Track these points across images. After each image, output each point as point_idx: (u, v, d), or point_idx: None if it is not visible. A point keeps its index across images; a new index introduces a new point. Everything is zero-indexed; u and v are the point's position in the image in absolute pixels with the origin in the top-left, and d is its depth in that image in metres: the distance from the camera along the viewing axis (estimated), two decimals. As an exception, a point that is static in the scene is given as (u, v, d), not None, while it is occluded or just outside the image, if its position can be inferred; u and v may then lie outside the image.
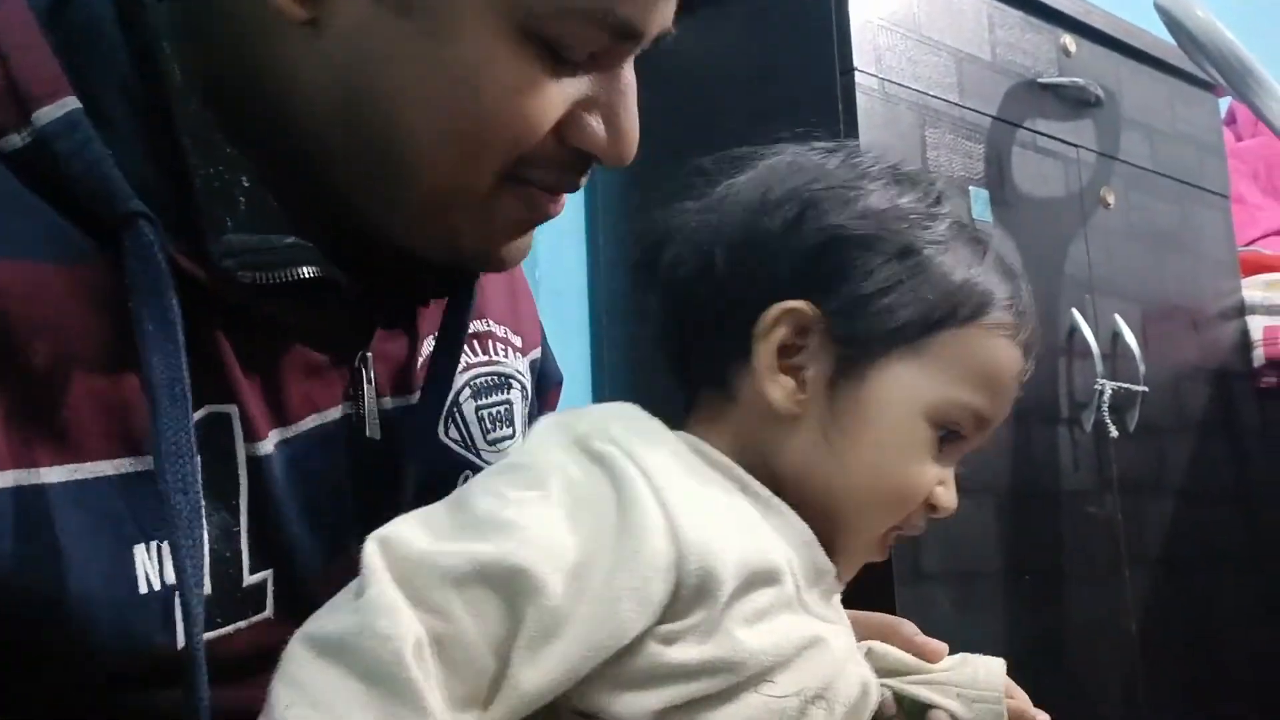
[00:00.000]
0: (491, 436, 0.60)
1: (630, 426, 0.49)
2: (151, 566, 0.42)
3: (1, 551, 0.39)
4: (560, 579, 0.42)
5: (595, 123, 0.47)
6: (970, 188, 1.19)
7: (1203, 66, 1.28)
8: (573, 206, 1.43)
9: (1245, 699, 1.42)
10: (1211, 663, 1.37)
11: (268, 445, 0.46)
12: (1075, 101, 1.35)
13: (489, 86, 0.43)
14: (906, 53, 1.16)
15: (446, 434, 0.57)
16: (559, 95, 0.45)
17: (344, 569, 0.49)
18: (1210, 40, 1.21)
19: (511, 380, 0.63)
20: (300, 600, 0.47)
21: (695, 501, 0.45)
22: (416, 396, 0.55)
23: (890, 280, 0.50)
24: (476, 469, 0.58)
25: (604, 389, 1.37)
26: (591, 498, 0.44)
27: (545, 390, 0.70)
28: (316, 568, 0.48)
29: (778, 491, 0.49)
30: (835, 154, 0.55)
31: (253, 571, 0.46)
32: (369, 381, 0.51)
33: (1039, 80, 1.31)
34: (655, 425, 0.50)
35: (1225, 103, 1.86)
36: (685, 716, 0.43)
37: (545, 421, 0.50)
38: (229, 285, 0.44)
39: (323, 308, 0.48)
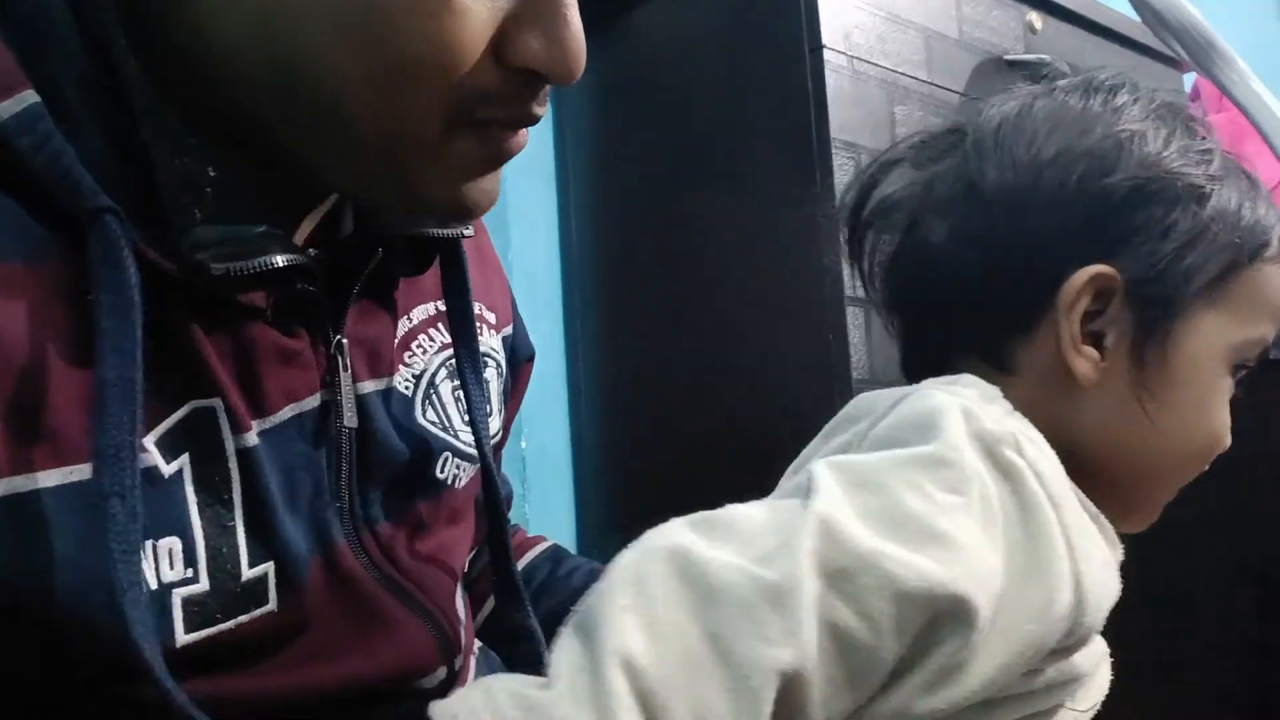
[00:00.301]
0: (469, 417, 0.59)
1: (1025, 431, 0.45)
2: (149, 565, 0.42)
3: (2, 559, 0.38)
4: (989, 610, 0.39)
5: (534, 38, 0.42)
6: (939, 164, 1.20)
7: (1167, 42, 1.29)
8: (544, 186, 1.43)
9: (1213, 664, 1.44)
10: (1179, 627, 1.40)
11: (253, 437, 0.46)
12: (1042, 78, 1.36)
13: (402, 10, 0.40)
14: (875, 30, 1.17)
15: (424, 416, 0.56)
16: (484, 10, 0.41)
17: (333, 561, 0.49)
18: (1174, 16, 1.22)
19: (488, 359, 0.62)
20: (302, 593, 0.47)
21: (1089, 545, 0.43)
22: (395, 378, 0.55)
23: (1190, 233, 0.48)
24: (456, 451, 0.58)
25: (578, 372, 1.38)
26: (1000, 516, 0.41)
27: (518, 365, 0.69)
28: (306, 560, 0.48)
29: (1067, 465, 0.45)
30: (1086, 94, 0.52)
31: (252, 565, 0.45)
32: (345, 368, 0.51)
33: (1006, 57, 1.32)
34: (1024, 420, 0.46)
35: (1190, 78, 1.88)
36: None
37: (943, 401, 0.44)
38: (201, 277, 0.43)
39: (295, 294, 0.47)
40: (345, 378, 0.51)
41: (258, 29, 0.41)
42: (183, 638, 0.43)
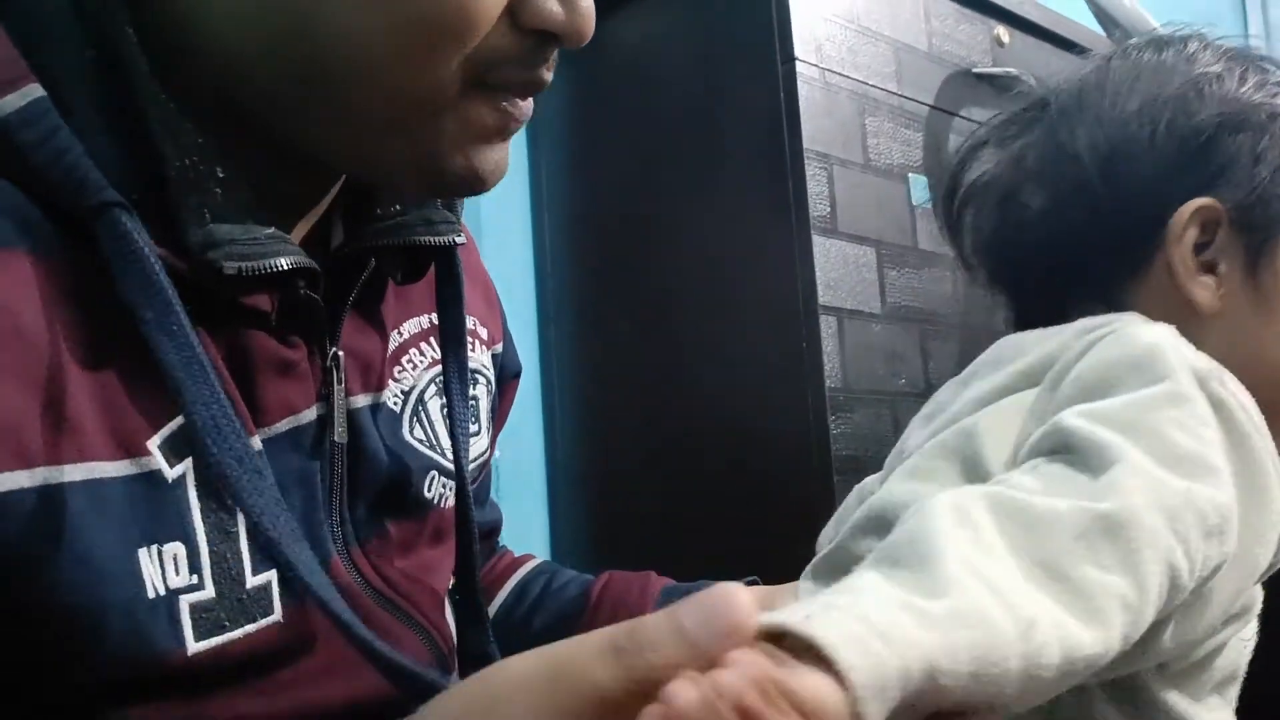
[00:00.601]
0: (451, 433, 0.58)
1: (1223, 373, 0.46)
2: (155, 570, 0.41)
3: (28, 554, 0.37)
4: (1235, 539, 0.40)
5: (549, 0, 0.43)
6: (909, 175, 1.22)
7: (1130, 56, 1.32)
8: (518, 196, 1.43)
9: None
10: None
11: (256, 442, 0.45)
12: (1009, 91, 1.39)
13: None
14: (846, 43, 1.18)
15: (411, 434, 0.55)
16: None
17: (334, 574, 0.48)
18: (1138, 31, 1.24)
19: (478, 375, 0.61)
20: (306, 604, 0.46)
21: None
22: (386, 393, 0.54)
23: (1278, 156, 0.51)
24: (443, 470, 0.57)
25: (552, 383, 1.38)
26: (1221, 448, 0.42)
27: (504, 382, 0.68)
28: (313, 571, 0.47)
29: None
30: (1159, 49, 0.55)
31: (255, 573, 0.44)
32: (339, 382, 0.50)
33: (974, 70, 1.34)
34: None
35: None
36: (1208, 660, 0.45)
37: (1157, 335, 0.45)
38: (212, 276, 0.42)
39: (298, 300, 0.46)
40: (339, 391, 0.50)
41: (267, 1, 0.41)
42: (193, 646, 0.42)
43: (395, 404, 0.55)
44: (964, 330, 1.24)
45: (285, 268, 0.44)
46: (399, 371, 0.55)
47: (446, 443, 0.57)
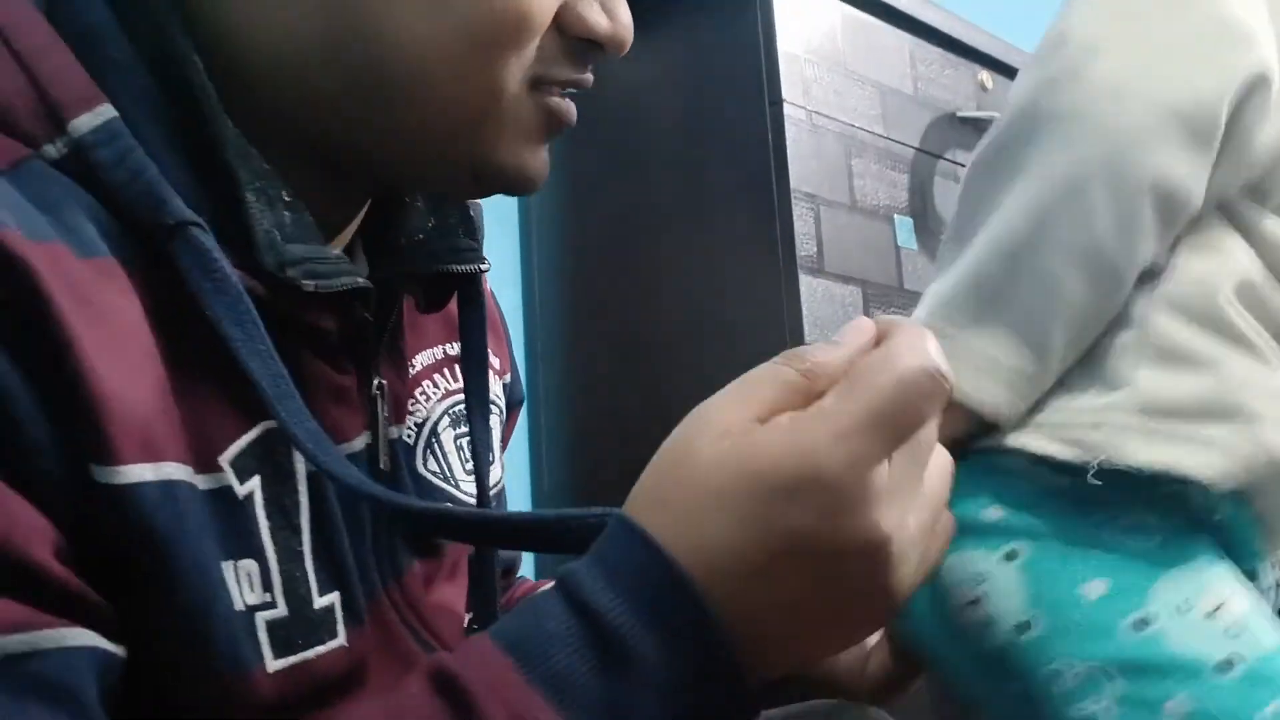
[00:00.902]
0: (469, 467, 0.57)
1: None
2: (235, 585, 0.40)
3: (155, 550, 0.37)
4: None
5: (593, 11, 0.46)
6: (895, 216, 1.23)
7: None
8: (507, 232, 1.44)
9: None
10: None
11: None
12: (993, 134, 1.41)
13: None
14: (833, 85, 1.20)
15: (425, 466, 0.55)
16: None
17: (376, 607, 0.47)
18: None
19: (493, 404, 0.61)
20: (363, 631, 0.45)
21: None
22: (408, 426, 0.54)
23: None
24: (457, 502, 0.56)
25: (539, 418, 1.38)
26: None
27: (508, 410, 0.68)
28: (362, 599, 0.47)
29: None
30: None
31: (321, 593, 0.44)
32: (384, 411, 0.50)
33: (958, 114, 1.36)
34: None
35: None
36: None
37: None
38: (287, 295, 0.42)
39: (357, 323, 0.47)
40: (383, 419, 0.50)
41: (332, 7, 0.42)
42: (273, 663, 0.41)
43: (409, 436, 0.54)
44: (949, 369, 1.25)
45: (357, 285, 0.44)
46: (412, 404, 0.55)
47: (460, 474, 0.57)
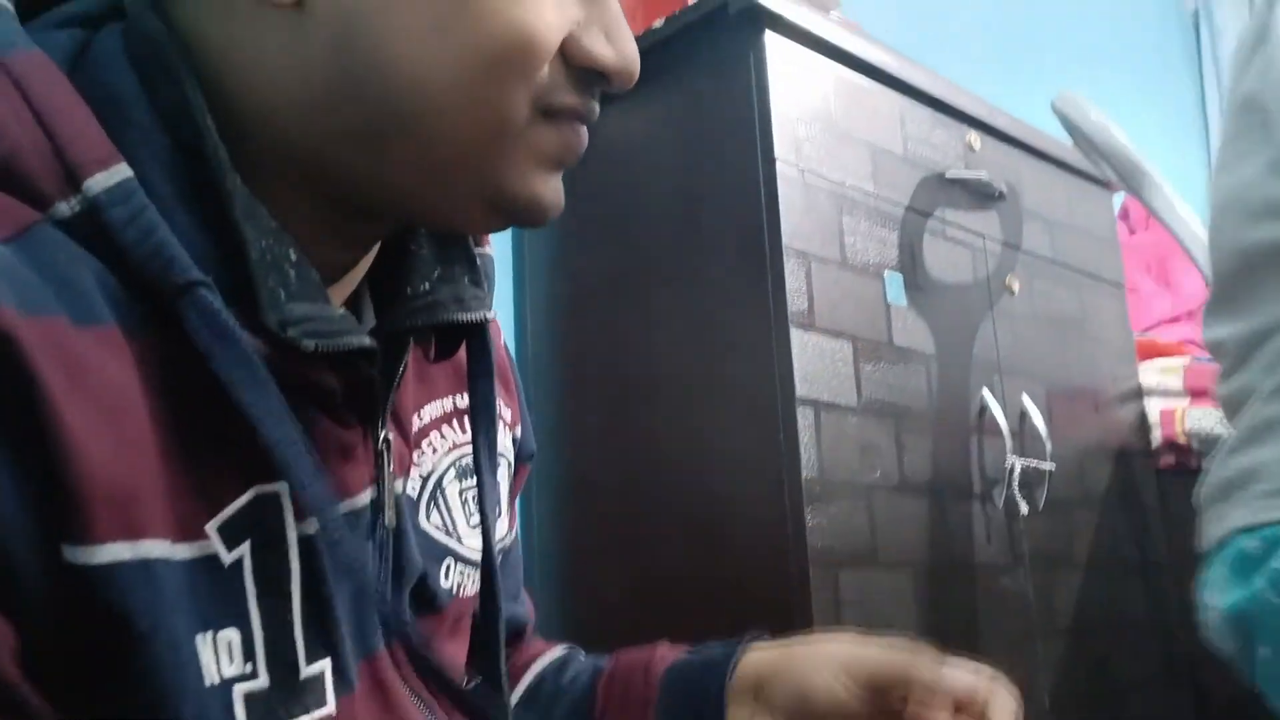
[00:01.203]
0: (474, 520, 0.57)
1: None
2: (211, 657, 0.40)
3: (130, 630, 0.36)
4: None
5: (599, 42, 0.47)
6: (885, 272, 1.25)
7: (1097, 164, 1.37)
8: (501, 283, 1.45)
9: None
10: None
11: (313, 525, 0.44)
12: (981, 194, 1.44)
13: (510, 7, 0.43)
14: (825, 144, 1.22)
15: (428, 519, 0.55)
16: (560, 12, 0.45)
17: (374, 668, 0.47)
18: (1103, 140, 1.30)
19: (501, 457, 0.61)
20: (353, 698, 0.45)
21: None
22: (413, 479, 0.54)
23: None
24: (459, 556, 0.56)
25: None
26: None
27: (519, 463, 0.68)
28: (357, 662, 0.46)
29: None
30: None
31: (309, 661, 0.43)
32: (389, 465, 0.50)
33: (947, 174, 1.38)
34: None
35: (1119, 199, 1.98)
36: None
37: None
38: (289, 354, 0.42)
39: (362, 380, 0.47)
40: (389, 474, 0.50)
41: (339, 46, 0.42)
42: None
43: (413, 490, 0.54)
44: (937, 425, 1.26)
45: (361, 346, 0.44)
46: (419, 456, 0.55)
47: (464, 528, 0.56)
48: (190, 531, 0.40)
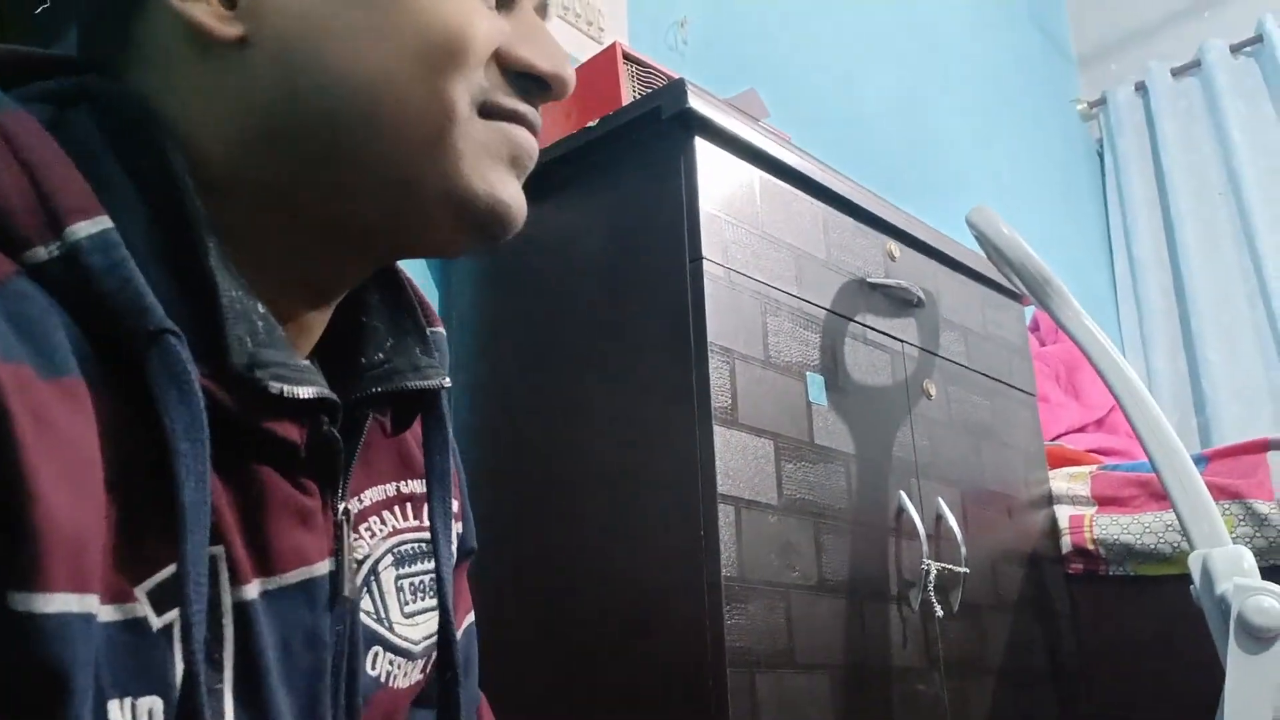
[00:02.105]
0: (410, 609, 0.56)
1: None
2: None
3: (65, 684, 0.35)
4: None
5: (531, 50, 0.50)
6: (807, 373, 1.27)
7: (1009, 278, 1.43)
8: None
9: None
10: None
11: (254, 590, 0.43)
12: (900, 301, 1.48)
13: (438, 7, 0.46)
14: (751, 247, 1.25)
15: (360, 605, 0.53)
16: (491, 22, 0.49)
17: None
18: (1014, 254, 1.35)
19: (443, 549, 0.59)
20: None
21: None
22: (362, 553, 0.53)
23: None
24: (389, 645, 0.54)
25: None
26: None
27: (460, 561, 0.67)
28: None
29: None
30: None
31: None
32: (350, 536, 0.49)
33: (868, 280, 1.43)
34: None
35: (1030, 311, 2.06)
36: None
37: None
38: (256, 404, 0.42)
39: (321, 438, 0.46)
40: (348, 544, 0.49)
41: (286, 70, 0.45)
42: None
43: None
44: (855, 525, 1.27)
45: (325, 395, 0.45)
46: (354, 539, 0.54)
47: (396, 617, 0.55)
48: (119, 593, 0.39)
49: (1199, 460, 1.58)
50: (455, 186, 0.48)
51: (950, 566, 1.36)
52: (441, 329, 0.59)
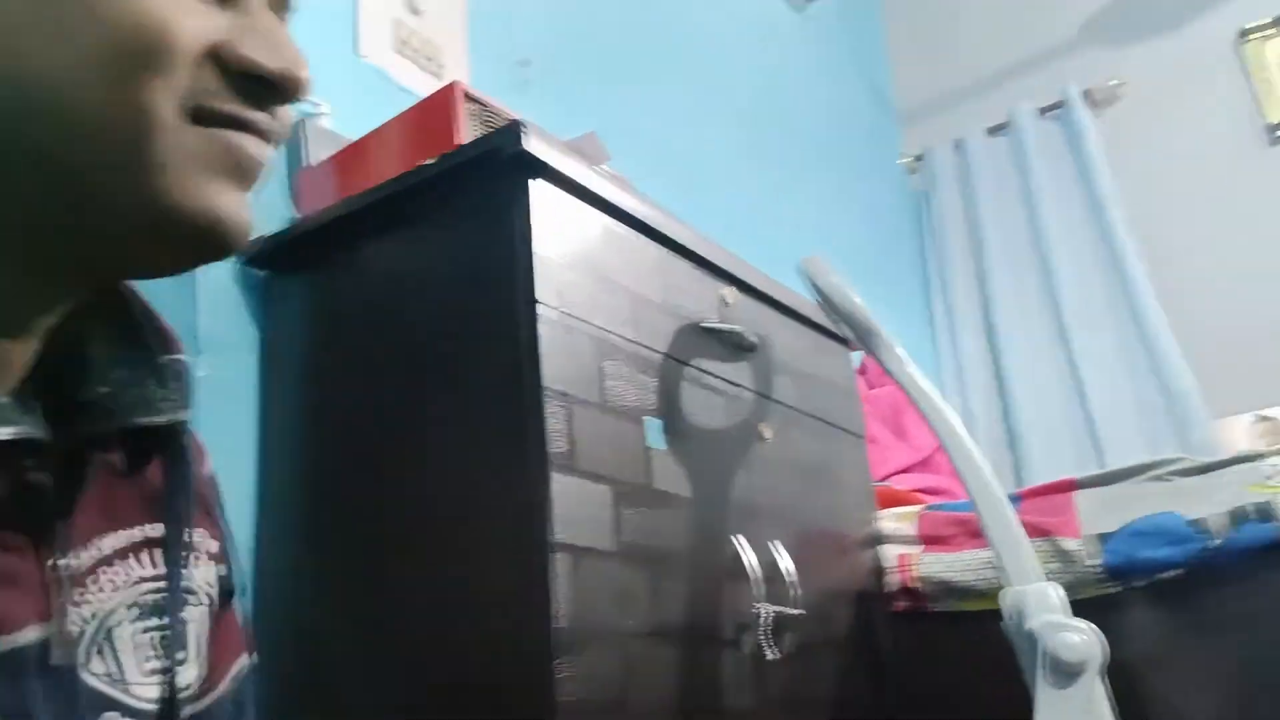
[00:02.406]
0: (152, 665, 0.52)
1: None
2: None
3: None
4: None
5: (254, 46, 0.46)
6: (645, 417, 1.27)
7: (838, 325, 1.48)
8: (245, 407, 1.36)
9: None
10: None
11: None
12: (734, 345, 1.50)
13: (132, 4, 0.42)
14: (587, 290, 1.25)
15: (88, 666, 0.48)
16: (201, 18, 0.45)
17: None
18: (841, 301, 1.40)
19: (191, 595, 0.55)
20: None
21: None
22: (70, 619, 0.47)
23: None
24: (127, 709, 0.49)
25: (266, 607, 1.28)
26: None
27: (222, 602, 0.61)
28: None
29: None
30: None
31: None
32: (62, 597, 0.45)
33: (703, 324, 1.44)
34: None
35: (858, 356, 2.13)
36: None
37: None
38: None
39: (29, 486, 0.42)
40: (60, 606, 0.45)
41: None
42: None
43: (74, 630, 0.48)
44: (692, 570, 1.27)
45: (24, 435, 0.40)
46: (81, 594, 0.49)
47: (136, 676, 0.50)
48: None
49: (1014, 499, 1.66)
50: (154, 201, 0.44)
51: (783, 609, 1.38)
52: (182, 356, 0.54)
